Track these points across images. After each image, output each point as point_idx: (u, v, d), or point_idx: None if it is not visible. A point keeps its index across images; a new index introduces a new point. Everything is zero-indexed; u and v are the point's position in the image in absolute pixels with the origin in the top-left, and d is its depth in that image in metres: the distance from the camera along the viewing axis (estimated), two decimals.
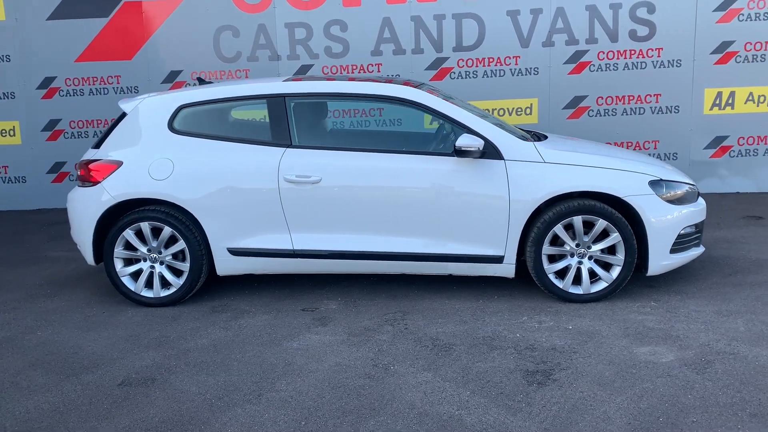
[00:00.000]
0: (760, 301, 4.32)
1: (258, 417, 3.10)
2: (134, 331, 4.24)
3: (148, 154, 4.62)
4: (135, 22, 8.42)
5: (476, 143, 4.28)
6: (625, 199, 4.32)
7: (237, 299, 4.74)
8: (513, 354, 3.67)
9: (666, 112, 8.08)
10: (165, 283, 4.67)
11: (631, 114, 8.13)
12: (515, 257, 4.45)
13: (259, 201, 4.52)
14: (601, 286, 4.43)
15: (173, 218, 4.54)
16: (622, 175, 4.41)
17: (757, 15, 7.83)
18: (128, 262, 4.69)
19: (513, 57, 8.11)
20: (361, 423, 3.01)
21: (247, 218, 4.54)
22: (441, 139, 4.83)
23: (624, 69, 8.06)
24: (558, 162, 4.41)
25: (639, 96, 8.06)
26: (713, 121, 8.06)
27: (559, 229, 4.36)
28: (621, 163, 4.55)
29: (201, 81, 5.52)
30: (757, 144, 8.05)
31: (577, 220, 4.34)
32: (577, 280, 4.45)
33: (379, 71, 8.25)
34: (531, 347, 3.75)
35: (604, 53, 8.04)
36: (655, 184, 4.41)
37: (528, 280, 4.61)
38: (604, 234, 4.39)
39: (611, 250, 4.41)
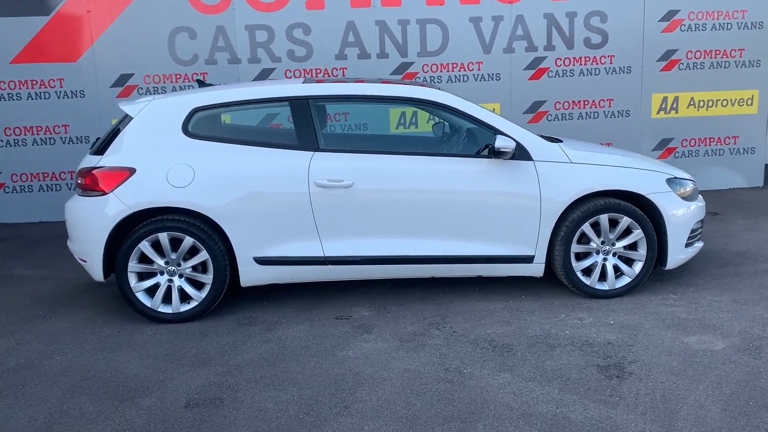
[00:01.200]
0: (766, 288, 4.64)
1: (358, 429, 2.97)
2: (166, 349, 3.95)
3: (164, 160, 4.33)
4: (80, 21, 7.88)
5: (511, 144, 4.33)
6: (648, 196, 4.52)
7: (259, 310, 4.54)
8: (575, 351, 3.73)
9: (618, 116, 8.52)
10: (183, 298, 4.38)
11: (586, 118, 8.50)
12: (545, 256, 4.53)
13: (289, 206, 4.35)
14: (624, 281, 4.60)
15: (195, 227, 4.28)
16: (643, 174, 4.60)
17: (697, 26, 8.41)
18: (142, 276, 4.36)
19: (476, 63, 8.27)
20: (469, 428, 2.96)
21: (276, 225, 4.35)
22: (460, 140, 4.84)
23: (579, 75, 8.42)
24: (583, 162, 4.54)
25: (593, 101, 8.44)
26: (660, 124, 8.58)
27: (587, 227, 4.49)
28: (638, 162, 4.75)
29: (200, 83, 5.26)
30: (698, 146, 8.65)
31: (604, 218, 4.49)
32: (601, 276, 4.59)
33: (343, 75, 8.16)
34: (588, 343, 3.83)
35: (561, 60, 8.36)
36: (671, 181, 4.64)
37: (545, 279, 4.71)
38: (626, 231, 4.55)
39: (632, 246, 4.58)
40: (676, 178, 4.70)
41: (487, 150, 4.43)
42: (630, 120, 8.50)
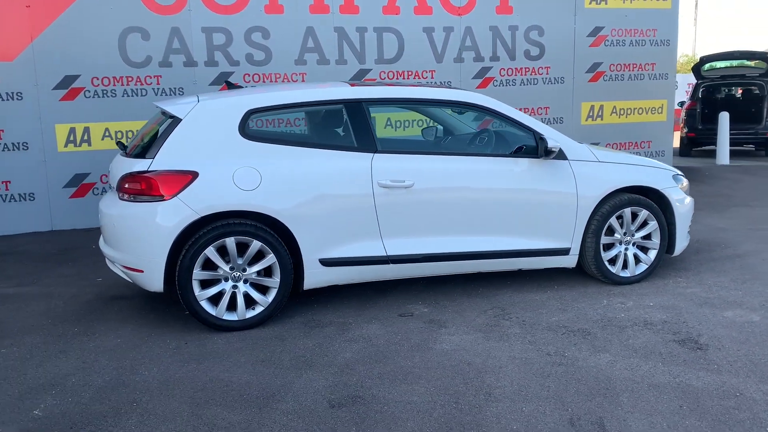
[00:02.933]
0: (752, 269, 5.35)
1: (517, 411, 3.14)
2: (256, 355, 3.84)
3: (226, 163, 4.20)
4: (17, 16, 7.25)
5: (558, 144, 4.68)
6: (662, 191, 5.06)
7: (316, 313, 4.52)
8: (643, 330, 4.13)
9: (553, 123, 9.23)
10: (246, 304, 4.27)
11: None
12: (579, 248, 4.93)
13: (354, 207, 4.39)
14: (642, 268, 5.11)
15: (262, 231, 4.20)
16: (656, 171, 5.15)
17: (618, 42, 9.36)
18: (203, 284, 4.19)
19: (429, 71, 8.62)
20: (615, 401, 3.22)
21: (340, 226, 4.37)
22: (491, 141, 5.11)
23: (521, 84, 9.05)
24: (609, 161, 5.00)
25: (533, 108, 9.09)
26: (588, 130, 9.43)
27: (613, 220, 4.95)
28: (646, 161, 5.30)
29: (230, 85, 5.11)
30: (620, 149, 9.58)
31: (627, 212, 4.97)
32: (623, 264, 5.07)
33: (303, 80, 8.16)
34: (648, 323, 4.25)
35: (504, 70, 8.94)
36: (674, 177, 5.23)
37: (561, 271, 5.14)
38: (643, 222, 5.07)
39: (647, 236, 5.10)
40: (677, 174, 5.29)
41: (523, 149, 4.71)
42: (564, 126, 9.23)
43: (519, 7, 8.81)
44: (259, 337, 4.13)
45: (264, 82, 8.05)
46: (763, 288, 4.88)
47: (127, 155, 4.46)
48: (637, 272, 5.08)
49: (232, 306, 4.22)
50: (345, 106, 4.56)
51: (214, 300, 4.21)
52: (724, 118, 12.01)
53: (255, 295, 4.26)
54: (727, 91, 14.60)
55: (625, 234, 5.04)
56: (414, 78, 8.58)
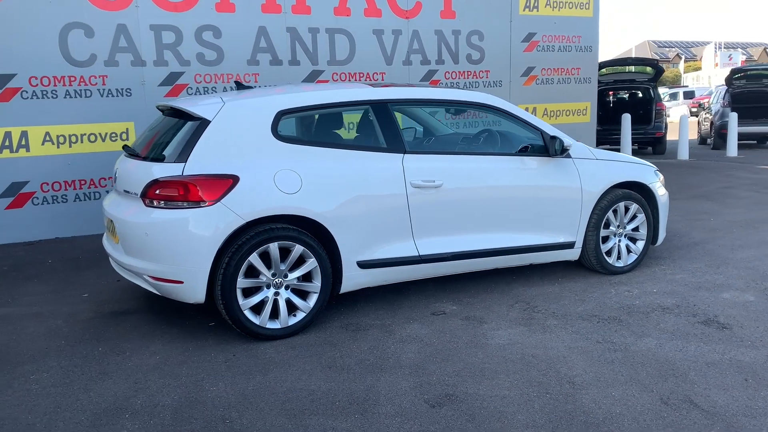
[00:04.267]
0: (716, 254, 5.88)
1: (617, 398, 3.29)
2: (319, 362, 3.74)
3: (265, 166, 4.05)
4: None
5: (572, 143, 4.92)
6: (649, 185, 5.45)
7: (349, 316, 4.45)
8: (666, 314, 4.43)
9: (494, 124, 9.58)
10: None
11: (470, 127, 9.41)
12: (582, 242, 5.20)
13: (389, 208, 4.38)
14: (632, 258, 5.48)
15: (304, 235, 4.09)
16: (642, 167, 5.53)
17: (548, 47, 9.90)
18: (245, 292, 4.02)
19: (380, 73, 8.69)
20: (691, 380, 3.46)
21: (377, 227, 4.35)
22: (497, 140, 5.27)
23: (464, 87, 9.32)
24: (604, 158, 5.32)
25: (474, 112, 9.38)
26: None
27: (610, 214, 5.27)
28: (631, 158, 5.68)
29: (239, 85, 4.91)
30: None
31: (621, 206, 5.31)
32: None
33: (256, 81, 7.96)
34: (664, 308, 4.56)
35: (449, 73, 9.19)
36: (655, 173, 5.65)
37: (551, 264, 5.42)
38: (632, 216, 5.44)
39: (635, 228, 5.48)
40: (656, 170, 5.72)
41: (529, 148, 4.92)
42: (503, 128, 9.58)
43: (461, 12, 9.08)
44: (306, 343, 4.01)
45: (216, 83, 7.75)
46: (738, 271, 5.38)
47: (143, 158, 4.18)
48: (629, 262, 5.43)
49: (271, 314, 4.06)
50: (372, 107, 4.53)
51: (255, 309, 4.03)
52: (626, 119, 12.99)
53: (297, 301, 4.13)
54: (619, 94, 15.81)
55: (618, 227, 5.37)
56: (366, 80, 8.60)
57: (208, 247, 3.83)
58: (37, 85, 6.93)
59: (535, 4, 9.64)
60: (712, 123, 17.05)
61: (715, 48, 35.73)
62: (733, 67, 19.25)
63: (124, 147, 4.58)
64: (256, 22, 7.88)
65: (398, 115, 4.98)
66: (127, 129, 7.39)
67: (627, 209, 5.35)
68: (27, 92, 6.90)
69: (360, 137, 4.63)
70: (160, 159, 4.07)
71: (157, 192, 3.90)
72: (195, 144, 3.99)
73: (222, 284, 3.88)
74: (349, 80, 8.48)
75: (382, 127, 4.50)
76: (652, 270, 5.49)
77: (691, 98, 35.66)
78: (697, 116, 30.98)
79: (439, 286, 5.06)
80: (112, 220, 4.25)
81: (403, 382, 3.48)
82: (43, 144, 7.03)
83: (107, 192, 7.20)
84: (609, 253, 5.34)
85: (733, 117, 14.41)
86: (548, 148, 4.92)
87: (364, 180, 4.30)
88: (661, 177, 5.71)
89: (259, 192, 3.97)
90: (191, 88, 7.63)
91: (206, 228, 3.83)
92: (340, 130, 4.74)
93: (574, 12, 9.99)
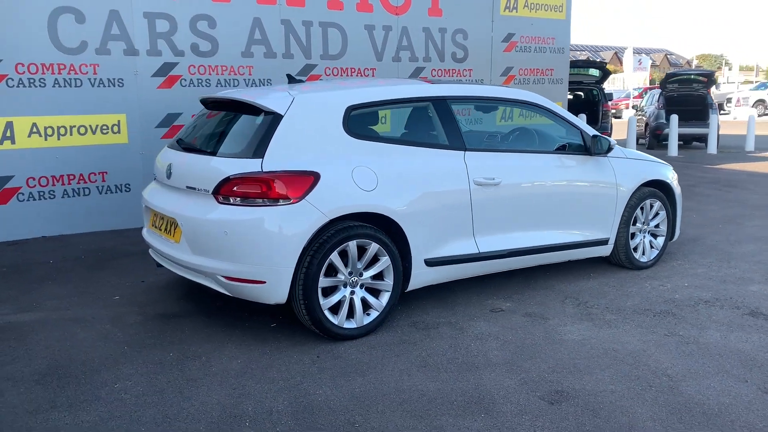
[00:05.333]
0: (718, 249, 6.20)
1: (717, 389, 3.42)
2: (410, 361, 3.67)
3: (340, 162, 3.95)
4: None
5: (615, 143, 5.06)
6: (670, 183, 5.68)
7: (410, 315, 4.40)
8: (712, 307, 4.63)
9: (474, 123, 9.70)
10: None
11: None
12: (615, 238, 5.36)
13: (454, 205, 4.36)
14: (654, 254, 5.70)
15: (380, 233, 4.03)
16: (662, 165, 5.75)
17: (525, 47, 10.12)
18: (323, 292, 3.91)
19: (371, 69, 8.63)
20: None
21: (443, 225, 4.33)
22: (536, 137, 5.35)
23: None
24: (632, 157, 5.50)
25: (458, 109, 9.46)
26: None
27: (638, 211, 5.46)
28: (650, 156, 5.90)
29: (291, 78, 4.75)
30: None
31: (647, 203, 5.51)
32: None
33: (250, 74, 7.74)
34: (706, 301, 4.77)
35: (436, 71, 9.23)
36: (672, 170, 5.90)
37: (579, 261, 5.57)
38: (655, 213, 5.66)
39: (656, 224, 5.70)
40: (671, 168, 5.97)
41: (567, 147, 5.04)
42: (482, 127, 9.72)
43: (447, 10, 9.13)
44: (384, 343, 3.95)
45: (210, 75, 7.47)
46: (749, 265, 5.70)
47: (208, 153, 3.98)
48: (651, 258, 5.65)
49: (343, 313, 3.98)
50: (433, 104, 4.50)
51: (332, 309, 3.93)
52: (581, 119, 13.45)
53: (371, 300, 4.06)
54: (568, 96, 16.34)
55: (643, 223, 5.57)
56: (357, 76, 8.51)
57: (294, 246, 3.70)
58: (24, 72, 6.45)
59: (515, 5, 9.82)
60: (647, 124, 17.93)
61: (633, 53, 37.61)
62: (668, 71, 20.30)
63: (178, 140, 4.34)
64: (251, 13, 7.63)
65: None
66: (119, 121, 7.00)
67: (651, 206, 5.55)
68: (13, 80, 6.41)
69: (423, 134, 4.57)
70: (231, 154, 3.89)
71: (235, 189, 3.72)
72: (270, 139, 3.83)
73: (304, 284, 3.75)
74: (341, 75, 8.36)
75: (444, 125, 4.48)
76: (671, 265, 5.72)
77: (609, 100, 37.37)
78: (620, 118, 32.61)
79: (482, 283, 5.08)
80: (173, 219, 4.02)
81: (506, 380, 3.48)
82: (29, 136, 6.56)
83: (98, 188, 6.82)
84: (635, 249, 5.52)
85: (674, 119, 15.21)
86: (590, 146, 5.03)
87: (432, 177, 4.26)
88: (675, 175, 5.96)
89: (340, 189, 3.86)
90: (185, 80, 7.32)
91: (292, 226, 3.70)
92: (404, 127, 4.67)
93: (549, 14, 10.24)
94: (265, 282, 3.71)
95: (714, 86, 20.16)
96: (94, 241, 6.60)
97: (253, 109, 4.06)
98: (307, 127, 3.96)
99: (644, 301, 4.76)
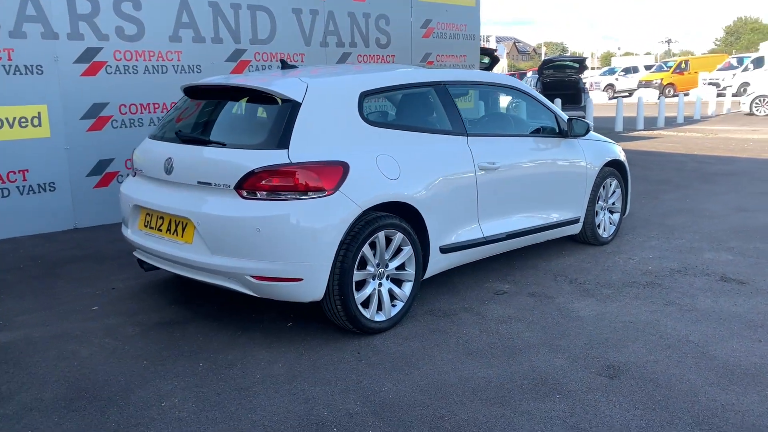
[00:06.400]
0: (656, 225, 6.69)
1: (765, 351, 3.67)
2: (454, 350, 3.63)
3: (362, 150, 3.80)
4: None
5: (592, 125, 5.27)
6: (624, 162, 6.03)
7: (421, 303, 4.36)
8: (686, 277, 4.95)
9: None
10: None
11: None
12: (584, 217, 5.62)
13: (463, 192, 4.35)
14: (612, 230, 6.02)
15: (405, 222, 3.95)
16: (614, 145, 6.08)
17: (442, 34, 10.25)
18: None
19: (299, 54, 8.39)
20: None
21: (454, 212, 4.31)
22: (514, 122, 5.45)
23: None
24: (594, 139, 5.77)
25: None
26: None
27: (601, 190, 5.75)
28: (604, 137, 6.21)
29: (284, 64, 4.49)
30: None
31: (607, 183, 5.82)
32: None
33: (179, 60, 7.27)
34: (677, 271, 5.10)
35: (362, 57, 9.15)
36: (620, 149, 6.26)
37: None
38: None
39: (613, 202, 6.04)
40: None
41: (541, 130, 5.20)
42: None
43: None
44: (414, 334, 3.88)
45: (137, 61, 6.90)
46: (691, 235, 6.19)
47: (220, 145, 3.69)
48: (610, 233, 5.97)
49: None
50: (435, 89, 4.45)
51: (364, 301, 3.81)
52: None
53: (397, 290, 3.97)
54: None
55: (604, 201, 5.87)
56: (289, 60, 8.21)
57: (332, 240, 3.52)
58: None
59: None
60: None
61: (496, 41, 39.45)
62: (545, 58, 21.45)
63: (177, 132, 3.96)
64: None
65: None
66: (39, 112, 6.30)
67: (610, 184, 5.86)
68: None
69: (430, 120, 4.49)
70: (249, 146, 3.62)
71: (263, 182, 3.47)
72: (292, 128, 3.61)
73: (340, 279, 3.59)
74: (272, 60, 8.04)
75: (447, 110, 4.44)
76: (625, 239, 6.07)
77: None
78: None
79: (471, 266, 5.11)
80: (184, 218, 3.68)
81: (555, 359, 3.53)
82: None
83: (18, 188, 6.11)
84: (599, 226, 5.81)
85: (557, 104, 16.12)
86: (565, 129, 5.20)
87: (445, 164, 4.22)
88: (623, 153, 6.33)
89: (369, 179, 3.72)
90: (110, 66, 6.71)
91: (329, 219, 3.51)
92: (412, 112, 4.55)
93: (461, 1, 10.45)
94: (302, 279, 3.50)
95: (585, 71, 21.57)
96: (22, 247, 5.91)
97: (262, 97, 3.80)
98: (325, 114, 3.77)
99: (625, 274, 5.01)
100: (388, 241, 3.85)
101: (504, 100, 5.55)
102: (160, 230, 3.86)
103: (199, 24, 7.32)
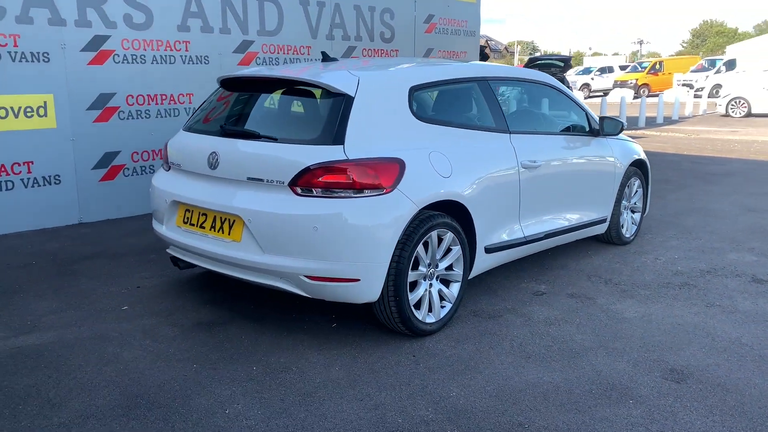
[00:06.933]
0: (673, 225, 6.70)
1: None
2: (513, 354, 3.54)
3: (415, 147, 3.68)
4: None
5: (625, 124, 5.22)
6: (646, 162, 6.01)
7: (464, 304, 4.25)
8: (717, 277, 4.94)
9: None
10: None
11: None
12: (610, 216, 5.57)
13: (508, 190, 4.26)
14: (634, 229, 6.00)
15: (455, 221, 3.84)
16: (637, 144, 6.05)
17: (443, 29, 10.16)
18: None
19: (306, 47, 8.22)
20: None
21: (498, 211, 4.22)
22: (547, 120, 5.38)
23: None
24: (622, 138, 5.73)
25: None
26: None
27: (627, 189, 5.72)
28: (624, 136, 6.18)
29: (325, 56, 4.34)
30: None
31: (631, 182, 5.79)
32: None
33: (187, 50, 7.05)
34: (706, 271, 5.09)
35: (366, 50, 9.01)
36: (641, 148, 6.24)
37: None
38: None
39: (635, 202, 6.01)
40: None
41: (571, 128, 5.14)
42: None
43: None
44: (464, 336, 3.78)
45: (145, 50, 6.66)
46: (708, 235, 6.20)
47: (271, 140, 3.53)
48: (632, 233, 5.95)
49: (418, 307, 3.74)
50: (479, 85, 4.34)
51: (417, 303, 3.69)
52: None
53: (446, 291, 3.86)
54: None
55: (628, 200, 5.84)
56: (293, 54, 8.04)
57: (390, 239, 3.40)
58: None
59: None
60: None
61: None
62: (531, 56, 21.50)
63: (222, 126, 3.78)
64: None
65: None
66: (45, 102, 6.03)
67: (633, 184, 5.83)
68: None
69: (474, 117, 4.38)
70: (303, 141, 3.47)
71: (320, 179, 3.32)
72: (346, 123, 3.47)
73: (395, 279, 3.47)
74: (278, 53, 7.86)
75: (490, 106, 4.35)
76: (646, 239, 6.06)
77: None
78: None
79: (502, 266, 5.02)
80: (233, 215, 3.52)
81: (616, 363, 3.46)
82: None
83: (23, 181, 5.85)
84: (622, 225, 5.77)
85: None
86: (596, 129, 5.15)
87: (492, 162, 4.13)
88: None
89: (424, 177, 3.60)
90: (118, 56, 6.47)
91: (387, 217, 3.39)
92: (458, 108, 4.43)
93: None
94: (359, 280, 3.37)
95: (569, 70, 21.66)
96: (29, 242, 5.66)
97: (308, 91, 3.65)
98: (378, 109, 3.64)
99: (658, 275, 4.98)
100: (440, 240, 3.74)
101: (538, 97, 5.42)
102: (203, 227, 3.69)
103: (207, 14, 7.10)
